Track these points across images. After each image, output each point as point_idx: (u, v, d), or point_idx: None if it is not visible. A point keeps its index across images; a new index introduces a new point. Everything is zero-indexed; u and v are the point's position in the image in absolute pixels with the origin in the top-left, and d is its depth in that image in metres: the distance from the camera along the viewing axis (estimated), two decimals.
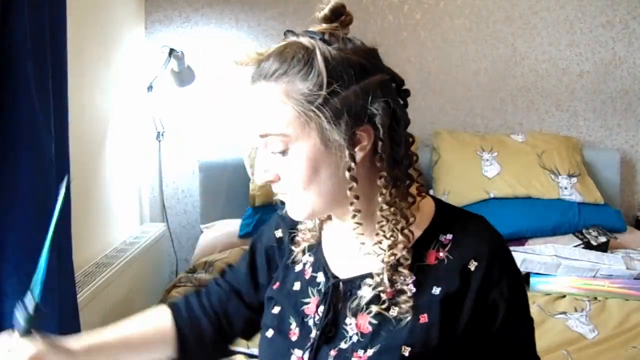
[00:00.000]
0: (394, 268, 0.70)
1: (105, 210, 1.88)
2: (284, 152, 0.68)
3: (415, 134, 0.76)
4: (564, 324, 1.50)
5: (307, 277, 0.80)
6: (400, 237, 0.69)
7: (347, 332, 0.72)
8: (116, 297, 1.72)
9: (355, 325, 0.72)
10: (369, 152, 0.69)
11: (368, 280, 0.72)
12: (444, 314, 0.69)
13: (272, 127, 0.67)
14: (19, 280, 0.97)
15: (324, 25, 0.69)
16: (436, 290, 0.70)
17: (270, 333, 0.79)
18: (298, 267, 0.82)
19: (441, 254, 0.71)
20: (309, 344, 0.73)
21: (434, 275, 0.71)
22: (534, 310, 0.77)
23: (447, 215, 0.75)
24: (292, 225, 0.85)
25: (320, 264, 0.79)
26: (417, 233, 0.73)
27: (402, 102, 0.73)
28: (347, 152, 0.66)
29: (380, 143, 0.67)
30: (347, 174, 0.67)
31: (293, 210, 0.73)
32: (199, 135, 2.42)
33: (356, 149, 0.68)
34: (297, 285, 0.80)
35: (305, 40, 0.67)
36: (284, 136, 0.66)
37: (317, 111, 0.65)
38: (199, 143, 2.42)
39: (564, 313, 1.57)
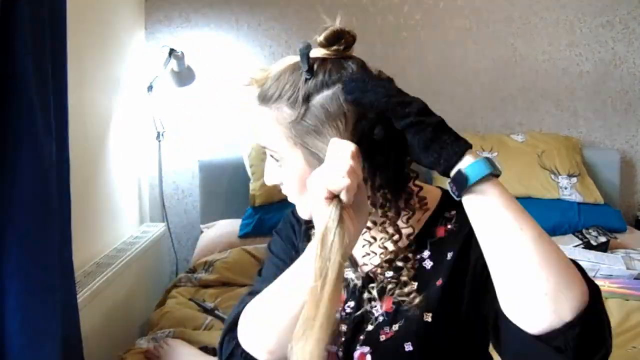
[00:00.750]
0: (403, 255, 0.77)
1: (105, 210, 1.88)
2: (279, 164, 0.75)
3: None
4: None
5: None
6: (394, 231, 0.75)
7: (374, 314, 0.78)
8: (116, 297, 1.72)
9: (379, 307, 0.77)
10: None
11: (387, 266, 0.77)
12: (456, 274, 0.73)
13: (267, 144, 0.74)
14: (20, 281, 0.97)
15: (324, 51, 0.71)
16: (449, 255, 0.75)
17: None
18: None
19: (449, 226, 0.77)
20: (340, 339, 0.78)
21: (445, 244, 0.76)
22: None
23: (451, 197, 0.79)
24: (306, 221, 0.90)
25: (349, 262, 0.84)
26: (427, 215, 0.79)
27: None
28: None
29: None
30: None
31: (299, 211, 0.80)
32: (199, 135, 2.43)
33: None
34: None
35: (290, 68, 0.70)
36: (276, 152, 0.74)
37: (301, 137, 0.70)
38: (199, 143, 2.42)
39: None
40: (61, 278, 1.09)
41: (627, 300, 1.63)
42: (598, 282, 1.84)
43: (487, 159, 0.61)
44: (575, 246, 1.88)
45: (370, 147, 0.70)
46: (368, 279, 0.80)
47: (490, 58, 2.44)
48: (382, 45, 2.40)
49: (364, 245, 0.80)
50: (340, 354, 0.78)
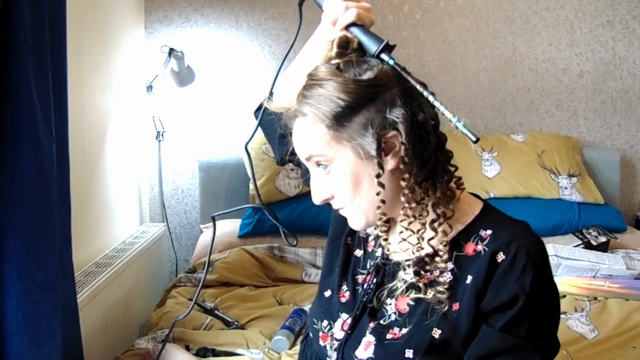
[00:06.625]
0: (430, 257, 0.77)
1: (105, 210, 1.88)
2: (327, 171, 0.76)
3: None
4: (564, 324, 1.50)
5: (369, 249, 0.90)
6: (430, 231, 0.75)
7: (387, 311, 0.80)
8: (116, 297, 1.72)
9: (394, 306, 0.80)
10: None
11: (410, 265, 0.78)
12: (474, 302, 0.72)
13: (314, 150, 0.75)
14: (20, 280, 0.97)
15: (339, 60, 0.76)
16: (469, 279, 0.74)
17: (328, 293, 0.90)
18: (362, 234, 0.91)
19: (479, 247, 0.76)
20: (353, 311, 0.83)
21: (470, 265, 0.75)
22: None
23: (491, 215, 0.80)
24: None
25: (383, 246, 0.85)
26: (459, 227, 0.78)
27: (427, 105, 0.76)
28: (376, 161, 0.73)
29: (402, 147, 0.72)
30: (375, 180, 0.73)
31: (351, 223, 0.81)
32: (199, 135, 2.43)
33: (389, 157, 0.74)
34: (358, 253, 0.91)
35: (323, 71, 0.74)
36: (323, 156, 0.75)
37: (344, 129, 0.72)
38: (199, 143, 2.42)
39: (564, 313, 1.57)
40: (61, 278, 1.09)
41: (627, 300, 1.63)
42: (598, 282, 1.84)
43: None
44: (576, 246, 1.88)
45: (416, 132, 0.72)
46: (394, 267, 0.82)
47: (490, 58, 2.44)
48: None
49: (401, 232, 0.80)
50: (349, 322, 0.82)
